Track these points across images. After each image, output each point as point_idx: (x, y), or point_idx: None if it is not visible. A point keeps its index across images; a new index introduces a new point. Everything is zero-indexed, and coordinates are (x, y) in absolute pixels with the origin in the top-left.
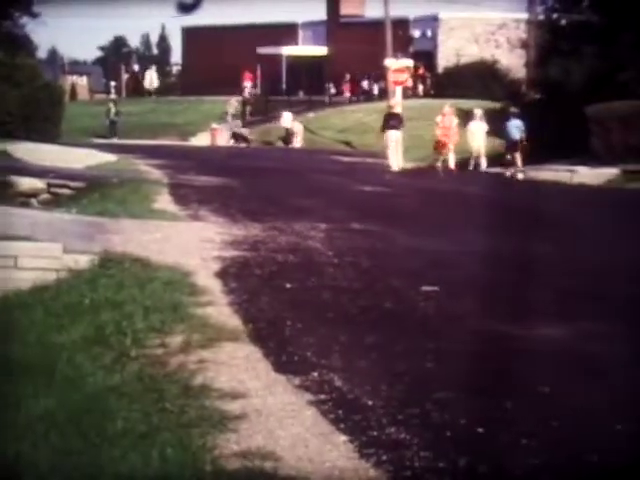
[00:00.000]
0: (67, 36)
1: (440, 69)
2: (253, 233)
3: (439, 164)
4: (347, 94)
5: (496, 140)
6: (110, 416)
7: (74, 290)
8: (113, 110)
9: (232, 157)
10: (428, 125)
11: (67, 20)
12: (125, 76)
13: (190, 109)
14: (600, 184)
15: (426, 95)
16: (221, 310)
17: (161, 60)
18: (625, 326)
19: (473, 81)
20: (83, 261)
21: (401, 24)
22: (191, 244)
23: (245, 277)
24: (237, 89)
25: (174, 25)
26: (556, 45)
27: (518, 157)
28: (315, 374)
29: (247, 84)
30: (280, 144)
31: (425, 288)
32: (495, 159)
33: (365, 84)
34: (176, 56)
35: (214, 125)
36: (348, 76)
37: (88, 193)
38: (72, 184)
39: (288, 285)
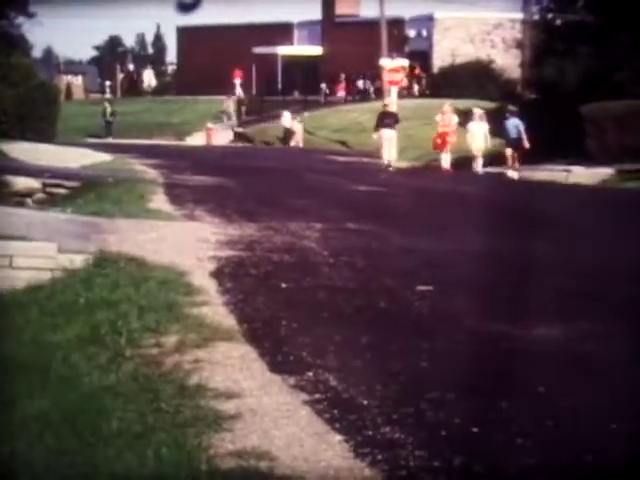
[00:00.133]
0: (62, 36)
1: (435, 69)
2: (248, 233)
3: (443, 163)
4: (340, 94)
5: (497, 140)
6: (105, 416)
7: (69, 289)
8: (109, 110)
9: (228, 157)
10: (424, 125)
11: (62, 20)
12: (120, 76)
13: (185, 109)
14: (595, 184)
15: (421, 95)
16: (216, 310)
17: (156, 60)
18: (619, 326)
19: (468, 81)
20: (78, 260)
21: (396, 24)
22: (186, 244)
23: (240, 277)
24: (231, 89)
25: (169, 25)
26: (551, 45)
27: (515, 156)
28: (310, 374)
29: (237, 81)
30: (278, 144)
31: (420, 287)
32: (496, 159)
33: (360, 84)
34: (171, 56)
35: (210, 125)
36: (343, 76)
37: (83, 193)
38: (67, 184)
39: (283, 285)
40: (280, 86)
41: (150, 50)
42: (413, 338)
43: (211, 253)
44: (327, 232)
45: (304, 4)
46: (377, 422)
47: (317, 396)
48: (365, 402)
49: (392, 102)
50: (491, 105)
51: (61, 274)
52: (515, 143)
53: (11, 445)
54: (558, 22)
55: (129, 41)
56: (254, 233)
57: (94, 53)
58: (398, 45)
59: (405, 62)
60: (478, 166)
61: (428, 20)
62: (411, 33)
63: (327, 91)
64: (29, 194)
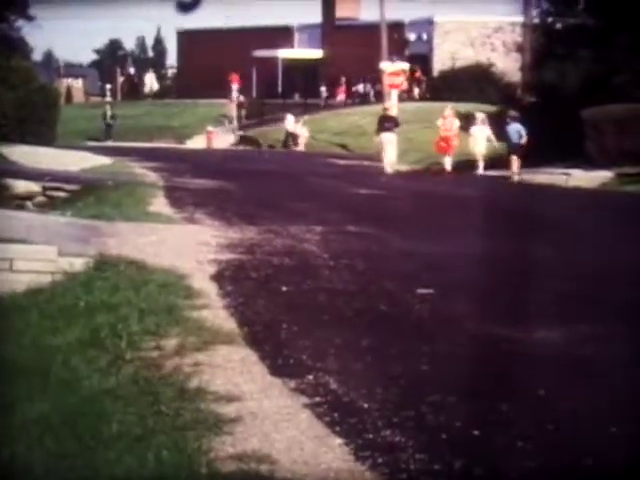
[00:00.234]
0: (63, 39)
1: (435, 72)
2: (249, 236)
3: (447, 166)
4: (340, 97)
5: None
6: (105, 419)
7: (69, 293)
8: (109, 113)
9: (228, 160)
10: (424, 128)
11: (63, 23)
12: (120, 79)
13: (186, 112)
14: (595, 187)
15: (422, 98)
16: (217, 313)
17: (156, 63)
18: (619, 329)
19: (468, 84)
20: (78, 264)
21: (396, 27)
22: (187, 247)
23: (241, 280)
24: (230, 92)
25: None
26: (551, 48)
27: (518, 161)
28: (310, 377)
29: (234, 86)
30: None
31: (420, 291)
32: (498, 162)
33: (361, 87)
34: (171, 59)
35: (210, 128)
36: (343, 79)
37: (83, 196)
38: (67, 187)
39: (284, 288)
40: (280, 89)
41: (150, 53)
42: (413, 341)
43: (211, 256)
44: (327, 235)
45: (304, 7)
46: (377, 425)
47: (317, 399)
48: (365, 405)
49: (392, 106)
50: (491, 109)
51: (61, 277)
52: (517, 148)
53: (11, 448)
54: (558, 25)
55: (129, 44)
56: (254, 236)
57: (94, 56)
58: (398, 48)
59: (405, 65)
60: (479, 169)
61: (428, 23)
62: (411, 36)
63: (326, 94)
64: (29, 197)
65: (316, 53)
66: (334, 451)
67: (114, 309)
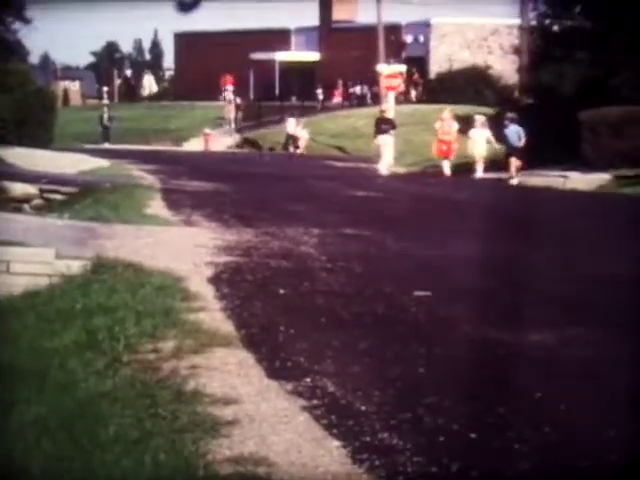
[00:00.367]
0: (60, 41)
1: (432, 75)
2: (246, 238)
3: (446, 170)
4: (336, 99)
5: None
6: (102, 422)
7: (66, 295)
8: (106, 115)
9: (225, 162)
10: (421, 130)
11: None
12: (117, 81)
13: (183, 114)
14: (592, 189)
15: (419, 101)
16: (214, 315)
17: (153, 65)
18: (613, 332)
19: (465, 87)
20: (75, 266)
21: (393, 30)
22: (184, 249)
23: (238, 282)
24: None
25: (166, 30)
26: (548, 51)
27: (517, 163)
28: (308, 380)
29: (228, 88)
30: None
31: (417, 293)
32: (497, 165)
33: (358, 89)
34: (168, 61)
35: (207, 130)
36: (340, 81)
37: (81, 198)
38: (65, 189)
39: (281, 290)
40: (278, 92)
41: (147, 56)
42: (410, 343)
43: (208, 259)
44: (325, 237)
45: (302, 10)
46: (375, 428)
47: (315, 402)
48: (363, 408)
49: (389, 108)
50: (489, 111)
51: (58, 280)
52: (516, 150)
53: (8, 451)
54: (555, 28)
55: (126, 47)
56: (251, 239)
57: (91, 59)
58: (395, 51)
59: (402, 68)
60: (478, 172)
61: (425, 26)
62: (408, 39)
63: (323, 97)
64: (26, 200)
65: (313, 56)
66: (331, 454)
67: (111, 312)
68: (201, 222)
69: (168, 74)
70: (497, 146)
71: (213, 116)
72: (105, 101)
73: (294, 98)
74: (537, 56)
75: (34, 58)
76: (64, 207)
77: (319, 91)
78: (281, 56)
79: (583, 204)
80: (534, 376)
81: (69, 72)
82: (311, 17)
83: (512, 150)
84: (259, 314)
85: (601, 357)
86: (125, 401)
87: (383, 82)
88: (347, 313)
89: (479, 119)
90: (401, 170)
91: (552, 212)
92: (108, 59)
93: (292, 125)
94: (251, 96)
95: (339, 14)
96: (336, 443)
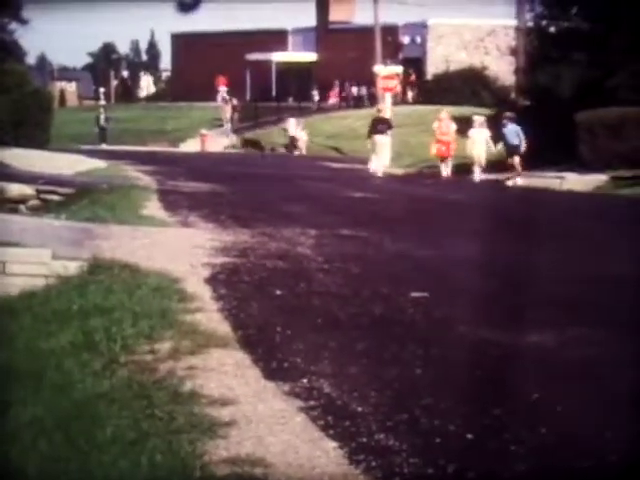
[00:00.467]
0: (56, 42)
1: (429, 76)
2: (242, 239)
3: (443, 171)
4: (332, 100)
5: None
6: (99, 423)
7: (63, 296)
8: (102, 116)
9: (222, 163)
10: (418, 132)
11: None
12: (114, 82)
13: (180, 115)
14: (589, 190)
15: (415, 102)
16: (211, 316)
17: (150, 66)
18: (611, 332)
19: (462, 88)
20: (72, 267)
21: (390, 31)
22: (180, 250)
23: (235, 283)
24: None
25: (163, 31)
26: (545, 52)
27: (518, 162)
28: (305, 380)
29: (221, 89)
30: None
31: (414, 294)
32: (495, 166)
33: (355, 90)
34: (165, 62)
35: (204, 131)
36: (337, 82)
37: (77, 199)
38: (61, 190)
39: (278, 291)
40: (274, 92)
41: (144, 57)
42: (407, 344)
43: (205, 259)
44: (321, 238)
45: (299, 11)
46: (371, 429)
47: (312, 403)
48: (359, 409)
49: (385, 107)
50: (485, 112)
51: (55, 281)
52: (517, 150)
53: (5, 452)
54: (552, 29)
55: (123, 48)
56: (248, 239)
57: (88, 60)
58: (392, 52)
59: (399, 69)
60: (477, 173)
61: (422, 27)
62: (405, 40)
63: (318, 98)
64: (23, 201)
65: (310, 56)
66: (328, 454)
67: (108, 312)
68: (198, 223)
69: (165, 75)
70: (494, 148)
71: (210, 117)
72: (102, 102)
73: (291, 99)
74: (534, 57)
75: (31, 59)
76: (61, 208)
77: (314, 92)
78: (278, 57)
79: (579, 205)
80: (531, 377)
81: (66, 73)
82: (308, 18)
83: (512, 149)
84: (256, 315)
85: (600, 358)
86: (122, 402)
87: (380, 83)
88: (344, 314)
89: (478, 119)
90: (398, 171)
91: (547, 213)
92: (105, 60)
93: (293, 126)
94: (248, 97)
95: (336, 15)
96: (333, 444)
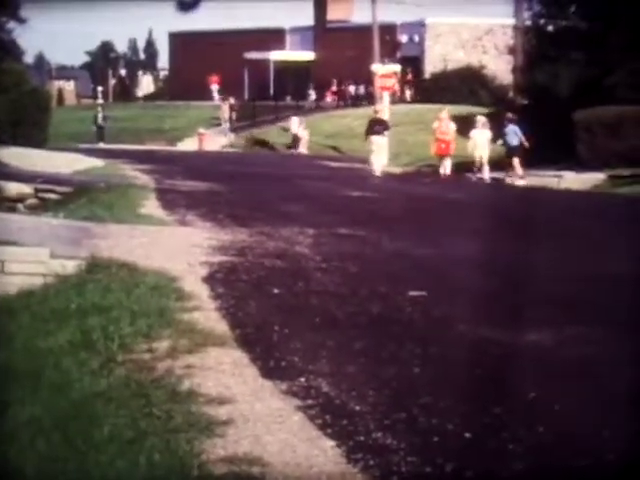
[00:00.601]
0: (54, 41)
1: (427, 74)
2: (240, 238)
3: (442, 170)
4: (329, 99)
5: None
6: (97, 422)
7: (61, 295)
8: (100, 115)
9: (219, 162)
10: (416, 130)
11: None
12: (112, 81)
13: (177, 114)
14: (587, 189)
15: (413, 101)
16: (208, 315)
17: (148, 65)
18: (608, 331)
19: (460, 87)
20: (70, 266)
21: (388, 30)
22: (178, 249)
23: (232, 282)
24: (224, 94)
25: (161, 30)
26: (543, 51)
27: (517, 163)
28: (302, 379)
29: (214, 87)
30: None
31: (412, 293)
32: (495, 165)
33: (353, 89)
34: (163, 61)
35: (201, 130)
36: (335, 81)
37: (75, 198)
38: (59, 189)
39: (275, 290)
40: (272, 91)
41: (142, 56)
42: (405, 343)
43: (203, 258)
44: (319, 237)
45: (296, 10)
46: (369, 428)
47: (309, 402)
48: (357, 408)
49: (383, 109)
50: (483, 111)
51: (53, 279)
52: (517, 150)
53: (3, 452)
54: (550, 28)
55: (121, 47)
56: (246, 238)
57: (86, 58)
58: (390, 51)
59: (397, 68)
60: (484, 173)
61: (420, 26)
62: (403, 39)
63: (314, 96)
64: (21, 199)
65: (308, 55)
66: (326, 453)
67: (106, 311)
68: (195, 222)
69: (162, 74)
70: (492, 147)
71: (208, 116)
72: (100, 101)
73: (289, 98)
74: (532, 56)
75: (29, 58)
76: (59, 207)
77: (311, 91)
78: (276, 56)
79: (577, 204)
80: (529, 376)
81: (64, 72)
82: (306, 17)
83: (512, 150)
84: (254, 314)
85: (598, 357)
86: (120, 401)
87: (378, 82)
88: (342, 313)
89: (480, 119)
90: (396, 170)
91: (545, 212)
92: (103, 59)
93: (296, 124)
94: (246, 96)
95: (334, 14)
96: (330, 443)
